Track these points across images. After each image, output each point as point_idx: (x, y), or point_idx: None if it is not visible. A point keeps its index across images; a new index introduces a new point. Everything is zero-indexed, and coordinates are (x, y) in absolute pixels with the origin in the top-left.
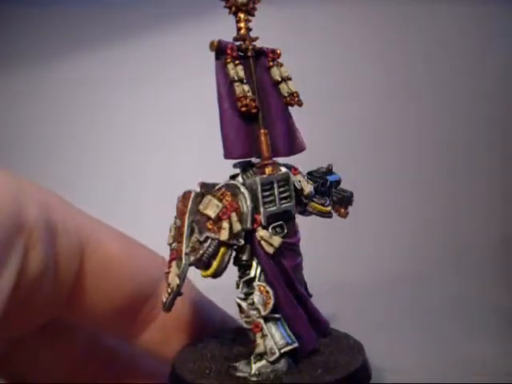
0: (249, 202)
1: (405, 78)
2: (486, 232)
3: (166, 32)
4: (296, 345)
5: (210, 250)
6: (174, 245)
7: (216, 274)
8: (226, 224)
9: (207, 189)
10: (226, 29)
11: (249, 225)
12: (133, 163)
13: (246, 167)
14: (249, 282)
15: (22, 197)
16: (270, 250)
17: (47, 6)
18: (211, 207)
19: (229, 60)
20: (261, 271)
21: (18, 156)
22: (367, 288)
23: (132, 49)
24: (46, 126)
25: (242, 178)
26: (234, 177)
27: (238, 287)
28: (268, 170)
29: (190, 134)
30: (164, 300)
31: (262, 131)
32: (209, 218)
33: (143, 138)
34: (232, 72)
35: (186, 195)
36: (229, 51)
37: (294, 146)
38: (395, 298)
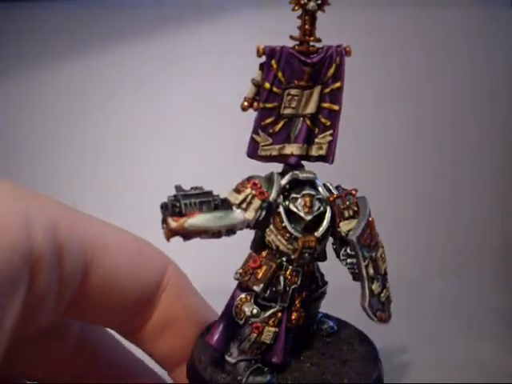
0: None
1: (406, 80)
2: (486, 234)
3: (166, 32)
4: None
5: None
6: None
7: None
8: None
9: None
10: (225, 30)
11: None
12: (133, 163)
13: None
14: None
15: (31, 222)
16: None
17: (48, 7)
18: None
19: None
20: None
21: (19, 156)
22: None
23: (133, 49)
24: (47, 125)
25: None
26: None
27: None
28: None
29: (191, 134)
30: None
31: None
32: None
33: (144, 138)
34: None
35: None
36: None
37: None
38: (395, 299)
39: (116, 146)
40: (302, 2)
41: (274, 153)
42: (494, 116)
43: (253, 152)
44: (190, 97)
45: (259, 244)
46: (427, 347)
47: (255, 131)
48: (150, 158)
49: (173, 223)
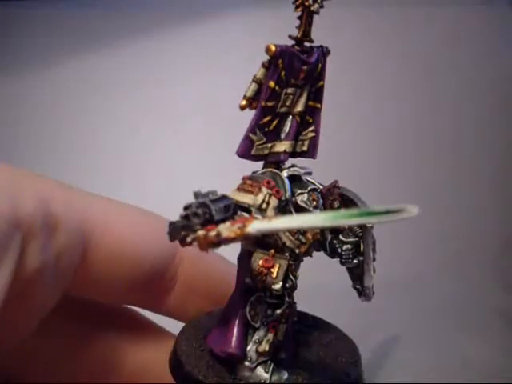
0: None
1: (405, 79)
2: (486, 233)
3: (166, 33)
4: None
5: None
6: None
7: None
8: None
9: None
10: (225, 31)
11: None
12: (133, 163)
13: None
14: None
15: (18, 191)
16: None
17: (48, 6)
18: None
19: None
20: None
21: (19, 157)
22: None
23: (132, 49)
24: (48, 126)
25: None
26: None
27: None
28: None
29: (190, 134)
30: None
31: None
32: None
33: (143, 138)
34: None
35: None
36: None
37: None
38: (395, 300)
39: (115, 146)
40: (307, 4)
41: (266, 151)
42: (493, 116)
43: (246, 151)
44: (189, 96)
45: (260, 245)
46: (426, 347)
47: (252, 130)
48: (149, 157)
49: (225, 231)
